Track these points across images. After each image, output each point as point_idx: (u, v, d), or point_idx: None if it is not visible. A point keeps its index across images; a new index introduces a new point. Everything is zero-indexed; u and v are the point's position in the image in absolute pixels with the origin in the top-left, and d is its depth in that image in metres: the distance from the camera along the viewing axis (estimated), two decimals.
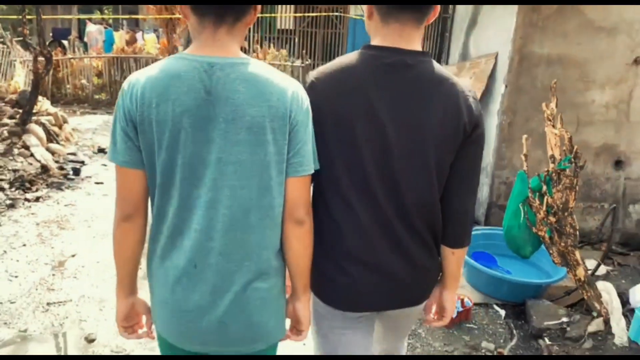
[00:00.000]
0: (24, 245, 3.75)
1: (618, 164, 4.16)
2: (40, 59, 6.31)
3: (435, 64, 1.32)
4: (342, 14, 12.95)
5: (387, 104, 1.26)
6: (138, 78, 1.18)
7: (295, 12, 12.25)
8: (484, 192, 4.26)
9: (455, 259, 1.45)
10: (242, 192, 1.20)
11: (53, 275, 3.33)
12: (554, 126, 2.71)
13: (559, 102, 3.62)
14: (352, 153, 1.28)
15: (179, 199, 1.20)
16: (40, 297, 3.05)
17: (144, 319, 1.39)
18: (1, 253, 3.59)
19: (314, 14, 12.54)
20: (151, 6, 11.42)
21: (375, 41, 1.32)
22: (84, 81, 11.26)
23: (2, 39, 14.62)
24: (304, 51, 11.77)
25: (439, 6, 1.32)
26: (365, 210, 1.32)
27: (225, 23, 1.19)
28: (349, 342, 1.48)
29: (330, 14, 12.52)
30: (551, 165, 2.71)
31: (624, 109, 4.01)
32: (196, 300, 1.23)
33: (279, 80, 1.21)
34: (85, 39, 13.56)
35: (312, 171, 1.27)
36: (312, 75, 1.34)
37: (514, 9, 3.81)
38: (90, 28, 13.53)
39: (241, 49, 1.25)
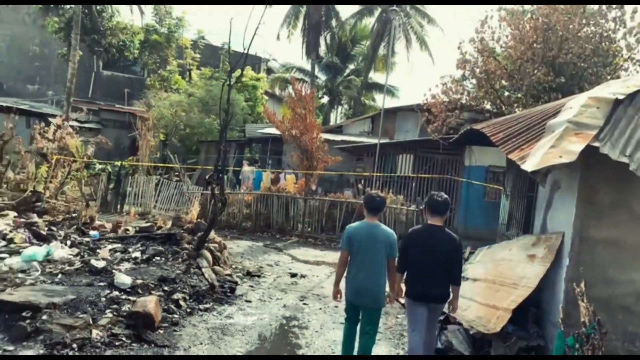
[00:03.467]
0: (201, 343, 5.37)
1: None
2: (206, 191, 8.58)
3: (447, 229, 4.73)
4: (453, 177, 14.47)
5: (430, 242, 4.66)
6: (351, 226, 4.90)
7: (413, 170, 14.05)
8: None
9: (456, 290, 4.66)
10: (376, 261, 4.70)
11: None
12: (582, 301, 3.70)
13: (619, 278, 4.53)
14: (418, 256, 4.66)
15: (359, 260, 4.72)
16: None
17: (340, 294, 4.93)
18: (187, 347, 5.23)
19: (429, 176, 14.27)
20: (295, 155, 14.05)
21: (429, 222, 4.76)
22: (235, 210, 13.82)
23: (177, 173, 18.40)
24: (420, 197, 13.30)
25: (448, 214, 4.11)
26: (421, 272, 4.65)
27: (375, 214, 4.87)
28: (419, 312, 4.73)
29: (443, 176, 14.15)
30: (582, 329, 3.66)
31: None
32: (361, 284, 4.71)
33: (387, 230, 4.84)
34: (240, 176, 16.72)
35: (395, 256, 4.72)
36: (409, 230, 5.04)
37: (574, 200, 4.93)
38: (245, 168, 16.73)
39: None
